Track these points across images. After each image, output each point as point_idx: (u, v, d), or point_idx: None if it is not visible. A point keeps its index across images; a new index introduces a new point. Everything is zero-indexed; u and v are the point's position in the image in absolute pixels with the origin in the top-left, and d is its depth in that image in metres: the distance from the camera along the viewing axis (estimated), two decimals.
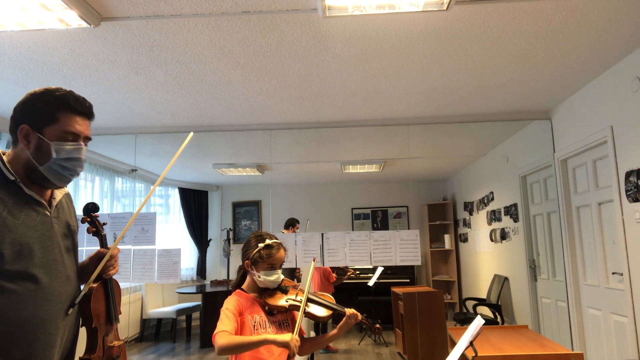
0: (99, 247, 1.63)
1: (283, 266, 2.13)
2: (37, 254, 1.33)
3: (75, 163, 1.41)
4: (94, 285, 1.53)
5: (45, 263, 1.35)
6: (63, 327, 1.40)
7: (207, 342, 6.26)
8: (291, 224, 5.91)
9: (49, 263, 1.36)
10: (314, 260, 2.44)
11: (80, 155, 1.41)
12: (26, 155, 1.36)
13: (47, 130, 1.36)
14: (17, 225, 1.30)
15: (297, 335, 1.77)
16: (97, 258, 1.55)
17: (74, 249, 1.50)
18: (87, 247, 3.93)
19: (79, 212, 1.71)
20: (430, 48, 2.91)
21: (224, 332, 1.77)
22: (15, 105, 1.40)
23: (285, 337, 1.71)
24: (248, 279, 2.06)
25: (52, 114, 1.37)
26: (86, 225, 1.69)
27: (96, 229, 1.66)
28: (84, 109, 1.43)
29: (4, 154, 1.38)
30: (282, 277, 2.08)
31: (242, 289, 2.05)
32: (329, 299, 2.12)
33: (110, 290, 1.58)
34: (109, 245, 1.61)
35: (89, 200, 1.96)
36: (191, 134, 1.88)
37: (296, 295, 2.04)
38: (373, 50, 2.93)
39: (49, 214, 1.41)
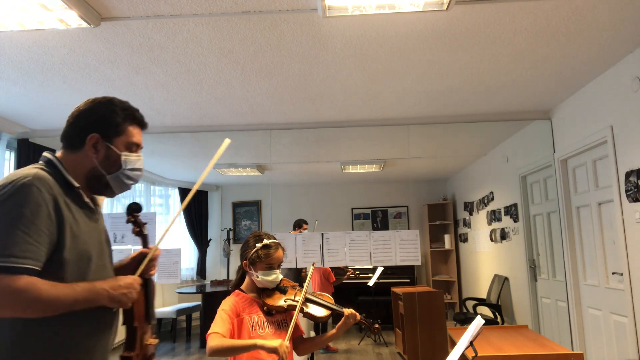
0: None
1: (283, 266, 2.13)
2: (93, 261, 1.35)
3: (138, 173, 1.47)
4: None
5: (97, 270, 1.36)
6: (114, 327, 1.44)
7: (206, 342, 6.25)
8: (299, 225, 5.88)
9: (100, 269, 1.38)
10: (312, 265, 2.44)
11: (142, 165, 1.49)
12: (92, 163, 1.38)
13: (116, 141, 1.40)
14: (80, 233, 1.31)
15: (287, 342, 1.79)
16: (139, 258, 1.55)
17: (110, 254, 1.52)
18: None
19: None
20: (430, 48, 2.91)
21: (216, 334, 1.79)
22: (77, 112, 1.40)
23: (275, 343, 1.73)
24: (247, 279, 2.06)
25: (121, 125, 1.41)
26: (129, 225, 1.68)
27: (140, 229, 1.66)
28: (144, 122, 1.51)
29: (57, 157, 1.37)
30: (281, 277, 2.08)
31: (241, 289, 2.05)
32: (328, 299, 2.12)
33: (149, 290, 1.58)
34: (149, 245, 1.60)
35: None
36: (227, 140, 1.90)
37: (295, 295, 2.04)
38: (373, 50, 2.93)
39: (98, 220, 1.44)
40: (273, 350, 1.71)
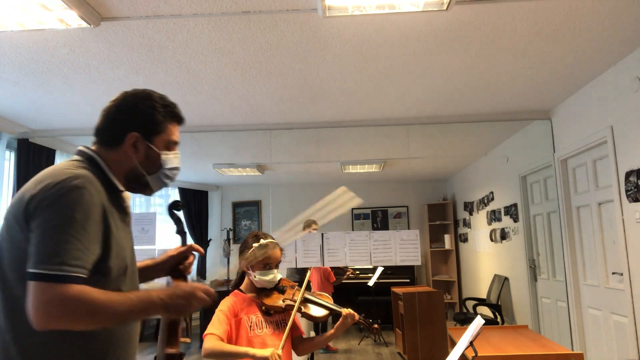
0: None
1: (284, 266, 2.13)
2: (129, 268, 1.28)
3: (176, 172, 1.40)
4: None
5: (130, 277, 1.30)
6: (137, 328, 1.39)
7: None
8: (308, 225, 5.80)
9: (132, 276, 1.32)
10: (309, 270, 2.41)
11: (179, 164, 1.41)
12: (132, 163, 1.30)
13: (156, 139, 1.32)
14: (120, 239, 1.24)
15: (282, 346, 1.82)
16: (182, 256, 1.49)
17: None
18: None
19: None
20: (430, 48, 2.91)
21: (212, 335, 1.81)
22: (115, 107, 1.31)
23: (266, 352, 1.75)
24: (246, 279, 2.06)
25: (162, 123, 1.33)
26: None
27: (181, 227, 1.64)
28: (183, 118, 1.41)
29: (99, 155, 1.27)
30: (280, 276, 2.07)
31: (240, 289, 2.05)
32: (327, 298, 2.12)
33: None
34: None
35: None
36: (343, 189, 1.89)
37: (293, 295, 2.04)
38: (373, 50, 2.93)
39: (129, 223, 1.36)
40: (264, 359, 1.73)
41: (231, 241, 8.40)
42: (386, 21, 2.56)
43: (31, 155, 4.45)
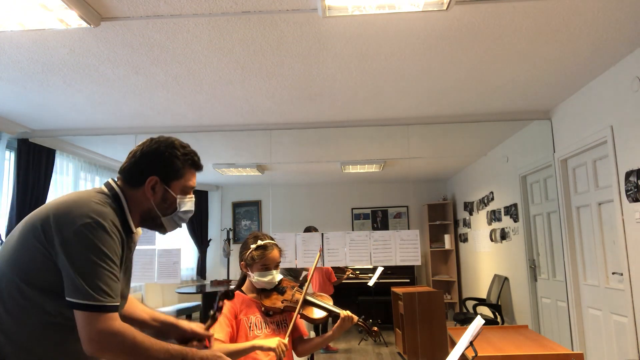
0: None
1: (282, 266, 2.14)
2: (125, 298, 1.41)
3: (190, 214, 1.51)
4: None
5: (123, 303, 1.41)
6: None
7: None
8: (308, 231, 5.81)
9: (123, 302, 1.42)
10: (308, 270, 2.42)
11: (193, 207, 1.51)
12: (149, 204, 1.41)
13: (174, 184, 1.43)
14: (125, 270, 1.37)
15: (287, 340, 1.83)
16: (198, 337, 1.58)
17: None
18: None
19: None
20: (430, 48, 2.91)
21: (216, 341, 1.80)
22: (140, 152, 1.42)
23: (272, 342, 1.79)
24: (247, 280, 2.07)
25: (180, 170, 1.44)
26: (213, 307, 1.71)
27: (218, 315, 1.68)
28: (201, 166, 1.53)
29: (123, 192, 1.38)
30: (280, 277, 2.07)
31: (242, 290, 2.05)
32: (327, 300, 2.12)
33: None
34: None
35: None
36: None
37: (292, 296, 2.04)
38: (373, 50, 2.93)
39: (132, 258, 1.47)
40: (270, 350, 1.77)
41: (231, 241, 8.40)
42: (386, 21, 2.56)
43: (31, 155, 4.45)
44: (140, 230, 1.50)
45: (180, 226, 1.52)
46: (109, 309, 1.18)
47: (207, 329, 1.62)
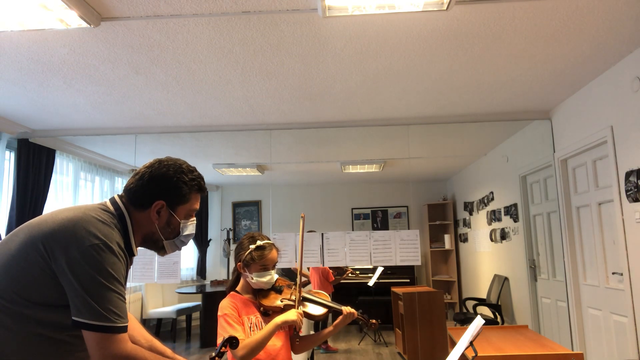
0: None
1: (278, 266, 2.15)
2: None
3: (190, 238, 1.52)
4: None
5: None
6: None
7: (207, 342, 6.26)
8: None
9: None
10: (302, 216, 2.41)
11: (194, 230, 1.52)
12: (153, 227, 1.41)
13: (179, 209, 1.43)
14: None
15: (300, 310, 1.94)
16: None
17: None
18: None
19: None
20: (430, 48, 2.91)
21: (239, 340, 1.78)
22: (148, 175, 1.39)
23: (291, 315, 1.87)
24: (242, 281, 2.05)
25: (187, 195, 1.43)
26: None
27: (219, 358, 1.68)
28: (206, 190, 1.53)
29: (128, 213, 1.37)
30: (276, 277, 2.08)
31: (237, 291, 2.04)
32: (325, 297, 2.13)
33: None
34: None
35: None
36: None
37: (291, 294, 2.05)
38: (373, 50, 2.93)
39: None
40: (293, 322, 1.86)
41: (231, 241, 8.40)
42: (386, 21, 2.56)
43: (31, 156, 4.45)
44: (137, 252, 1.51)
45: (180, 249, 1.52)
46: (120, 330, 1.19)
47: None
